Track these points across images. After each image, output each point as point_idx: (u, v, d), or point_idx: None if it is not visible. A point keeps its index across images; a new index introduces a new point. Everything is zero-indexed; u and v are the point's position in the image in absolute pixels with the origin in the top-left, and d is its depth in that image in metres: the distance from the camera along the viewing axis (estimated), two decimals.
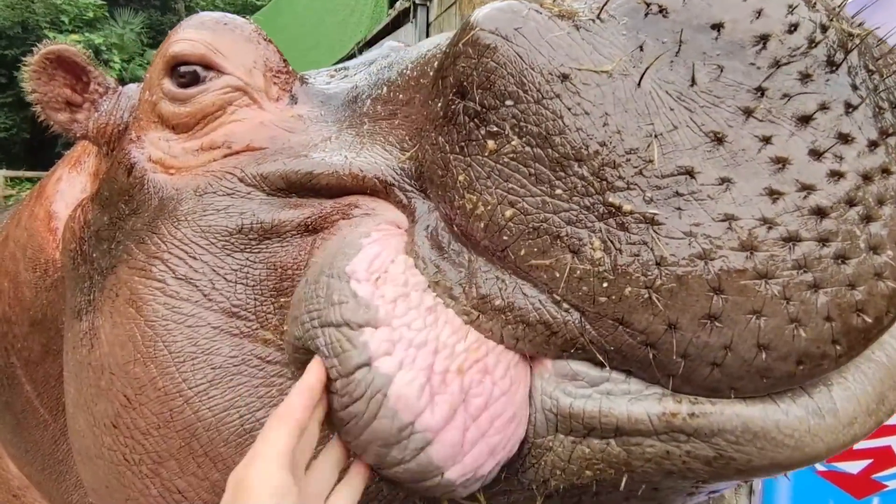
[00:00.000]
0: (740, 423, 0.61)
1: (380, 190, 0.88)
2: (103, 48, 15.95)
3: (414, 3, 6.68)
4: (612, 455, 0.66)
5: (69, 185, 1.32)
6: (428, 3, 6.52)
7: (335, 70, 1.25)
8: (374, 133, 0.95)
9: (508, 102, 0.69)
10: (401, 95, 0.96)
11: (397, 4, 7.28)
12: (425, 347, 0.67)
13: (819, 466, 1.96)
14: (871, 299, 0.59)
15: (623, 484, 0.67)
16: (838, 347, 0.59)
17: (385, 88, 1.01)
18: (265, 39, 1.11)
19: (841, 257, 0.59)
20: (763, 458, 0.62)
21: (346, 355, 0.67)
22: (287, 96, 1.09)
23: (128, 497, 0.95)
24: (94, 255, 1.06)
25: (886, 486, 1.96)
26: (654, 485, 0.68)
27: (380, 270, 0.75)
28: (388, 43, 1.51)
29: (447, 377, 0.66)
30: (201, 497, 0.88)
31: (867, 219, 0.60)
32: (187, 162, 1.03)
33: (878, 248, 0.59)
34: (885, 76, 0.68)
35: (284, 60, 1.12)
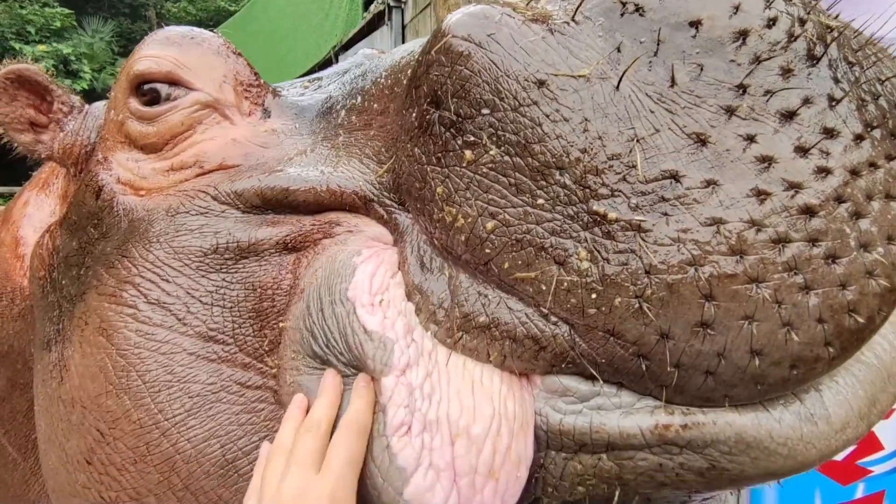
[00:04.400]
0: (733, 434, 0.60)
1: (359, 205, 0.85)
2: (72, 58, 15.57)
3: (389, 5, 6.63)
4: (604, 470, 0.64)
5: (37, 209, 1.27)
6: (403, 6, 6.47)
7: (309, 81, 1.22)
8: (349, 145, 0.92)
9: (485, 111, 0.67)
10: (375, 105, 0.93)
11: (372, 7, 7.23)
12: (440, 433, 0.65)
13: None
14: (862, 299, 0.57)
15: (616, 498, 0.65)
16: (831, 350, 0.57)
17: (359, 98, 0.98)
18: (234, 52, 1.08)
19: (831, 257, 0.57)
20: (756, 467, 0.61)
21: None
22: (259, 110, 1.05)
23: None
24: (64, 282, 1.02)
25: (871, 472, 1.98)
26: (647, 496, 0.67)
27: (381, 290, 0.74)
28: (362, 50, 1.48)
29: (476, 482, 0.63)
30: None
31: (856, 215, 0.58)
32: (158, 182, 0.99)
33: (868, 246, 0.58)
34: (865, 68, 0.66)
35: (255, 73, 1.08)
